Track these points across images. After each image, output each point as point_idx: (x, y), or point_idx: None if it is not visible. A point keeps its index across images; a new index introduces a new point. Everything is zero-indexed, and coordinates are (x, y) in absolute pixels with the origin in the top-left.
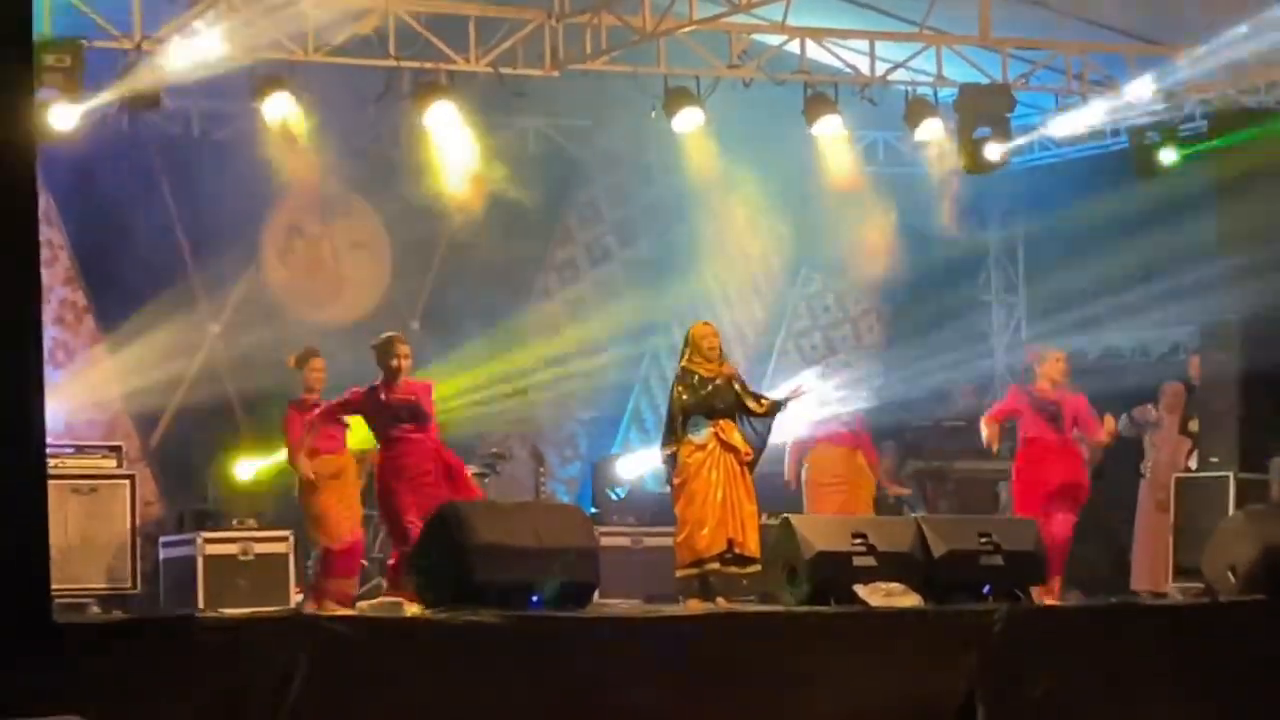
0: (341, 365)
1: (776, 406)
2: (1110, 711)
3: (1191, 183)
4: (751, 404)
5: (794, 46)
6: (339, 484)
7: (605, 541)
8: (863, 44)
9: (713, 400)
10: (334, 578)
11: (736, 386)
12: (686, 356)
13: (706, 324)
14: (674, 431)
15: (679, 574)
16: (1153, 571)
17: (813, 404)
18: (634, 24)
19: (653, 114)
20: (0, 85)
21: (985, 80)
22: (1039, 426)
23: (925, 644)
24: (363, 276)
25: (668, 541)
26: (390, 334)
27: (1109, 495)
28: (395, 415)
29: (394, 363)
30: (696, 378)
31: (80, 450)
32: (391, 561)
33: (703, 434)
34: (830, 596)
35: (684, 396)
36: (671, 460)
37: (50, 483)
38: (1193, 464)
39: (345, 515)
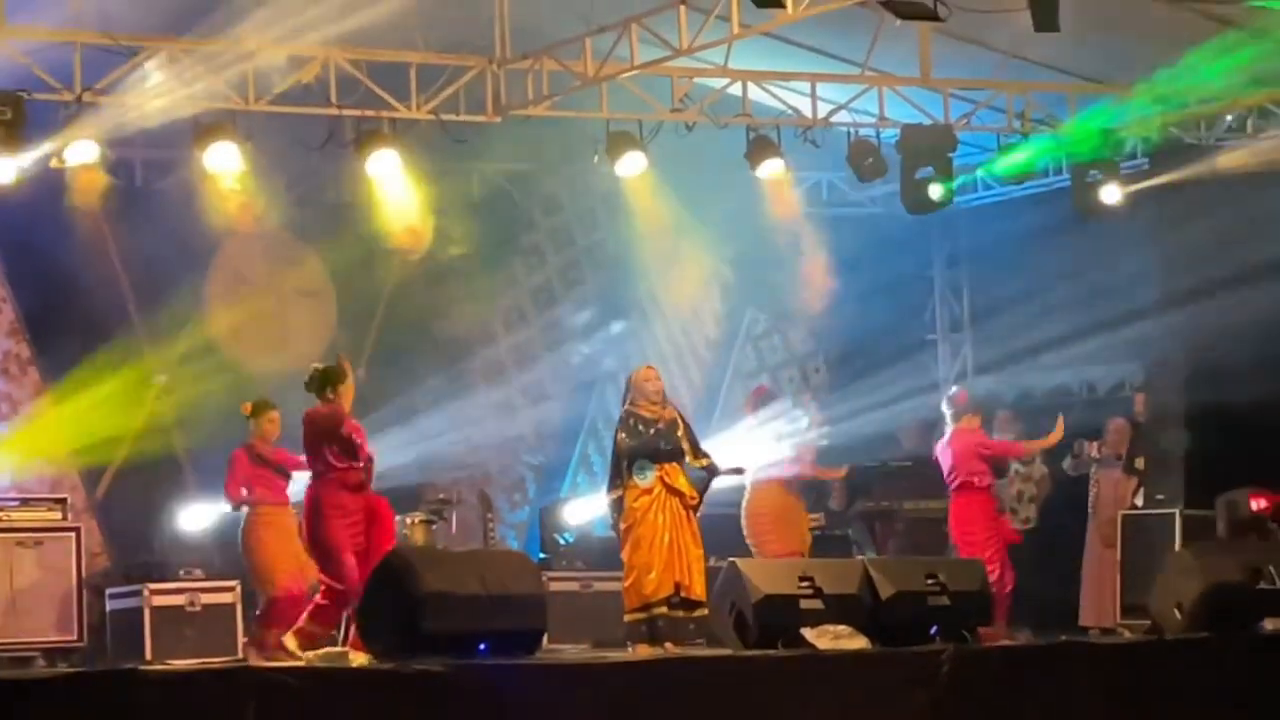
0: (287, 413)
1: (713, 471)
2: None
3: (1134, 220)
4: (689, 457)
5: (736, 89)
6: (281, 533)
7: (554, 587)
8: (805, 86)
9: (656, 443)
10: (276, 628)
11: (679, 431)
12: (630, 400)
13: (649, 367)
14: (619, 475)
15: (627, 619)
16: (1100, 608)
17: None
18: (576, 69)
19: (596, 158)
20: None
21: (927, 120)
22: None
23: (874, 686)
24: (309, 324)
25: (616, 586)
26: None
27: (1057, 532)
28: (345, 446)
29: (346, 384)
30: (640, 421)
31: (25, 503)
32: (320, 600)
33: (648, 478)
34: (778, 640)
35: (628, 440)
36: (617, 504)
37: None
38: (1139, 501)
39: (288, 564)
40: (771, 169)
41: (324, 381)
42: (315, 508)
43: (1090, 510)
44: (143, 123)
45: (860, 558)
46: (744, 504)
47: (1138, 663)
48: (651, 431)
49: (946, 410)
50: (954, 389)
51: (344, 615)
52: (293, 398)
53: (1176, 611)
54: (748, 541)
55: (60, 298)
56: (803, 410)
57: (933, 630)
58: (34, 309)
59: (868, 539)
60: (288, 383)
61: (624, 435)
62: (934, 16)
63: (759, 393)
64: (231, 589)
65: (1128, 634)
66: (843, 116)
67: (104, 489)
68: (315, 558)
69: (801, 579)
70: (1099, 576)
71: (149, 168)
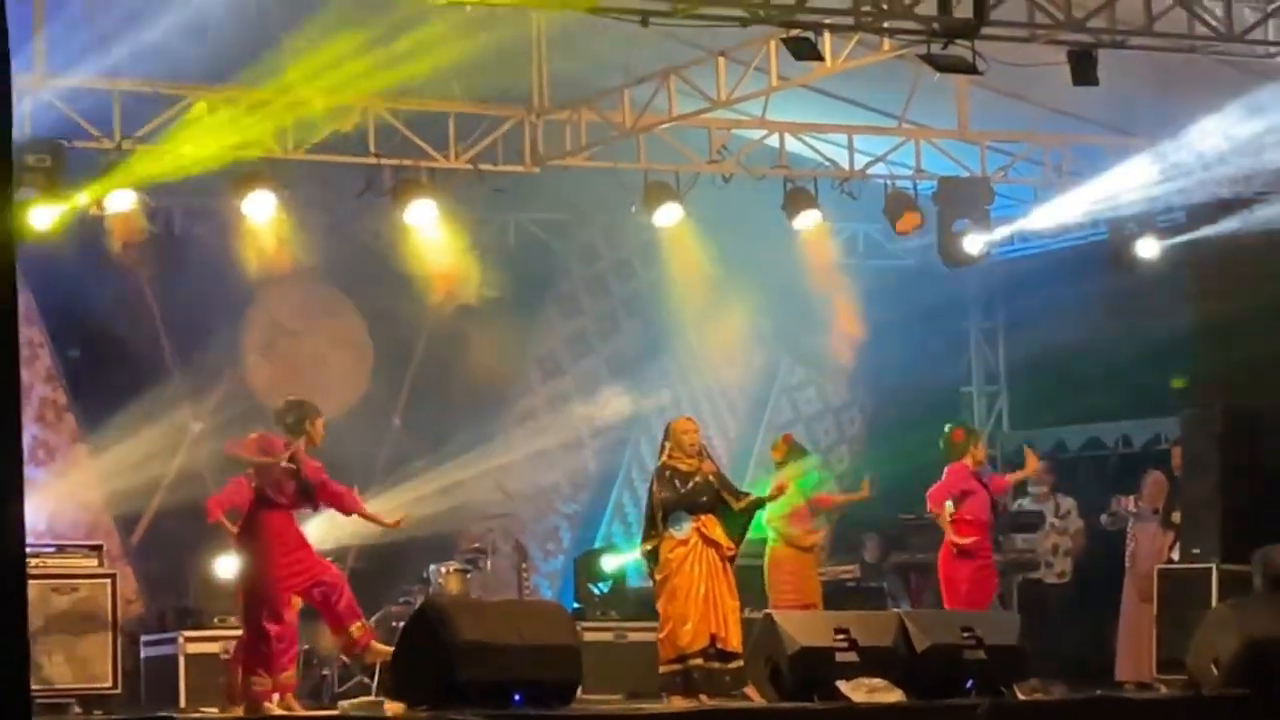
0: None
1: (757, 504)
2: None
3: (1170, 273)
4: (730, 500)
5: (774, 141)
6: None
7: (588, 637)
8: (842, 138)
9: (693, 496)
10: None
11: (715, 483)
12: (666, 452)
13: (688, 419)
14: (654, 527)
15: (662, 670)
16: (1136, 663)
17: None
18: (614, 120)
19: (633, 209)
20: None
21: (964, 173)
22: None
23: None
24: (344, 373)
25: (651, 636)
26: (302, 400)
27: (1092, 586)
28: (304, 488)
29: (318, 425)
30: (676, 474)
31: (61, 549)
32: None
33: (684, 529)
34: (813, 692)
35: (663, 493)
36: (652, 556)
37: (31, 582)
38: (1175, 555)
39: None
40: (808, 220)
41: (296, 420)
42: (262, 544)
43: (1127, 564)
44: (181, 171)
45: (896, 610)
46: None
47: (1174, 718)
48: (689, 485)
49: None
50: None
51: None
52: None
53: (1213, 667)
54: (768, 593)
55: (97, 344)
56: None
57: (968, 684)
58: (71, 355)
59: (903, 591)
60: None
61: (659, 488)
62: (973, 70)
63: (787, 441)
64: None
65: (1164, 689)
66: (880, 169)
67: (139, 535)
68: (247, 596)
69: (837, 631)
70: (1136, 631)
71: (187, 215)
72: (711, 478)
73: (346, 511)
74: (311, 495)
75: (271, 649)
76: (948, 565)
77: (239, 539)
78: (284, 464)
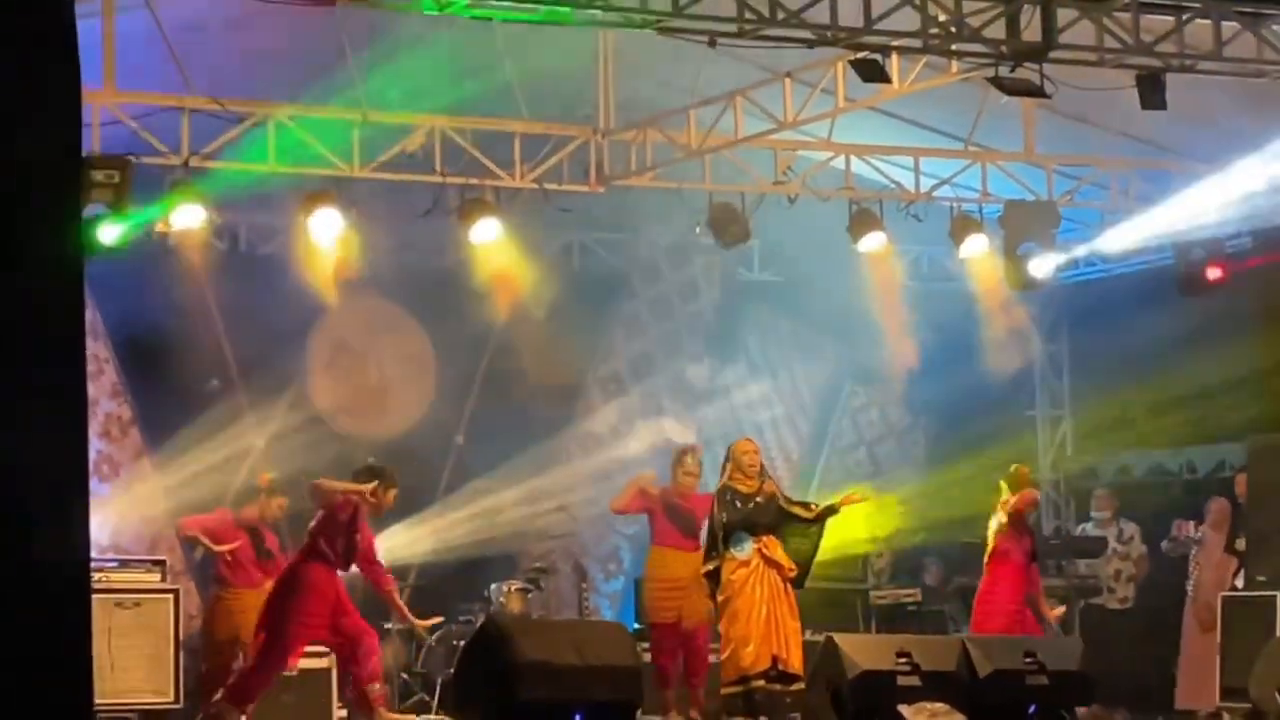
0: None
1: (829, 511)
2: None
3: (1238, 299)
4: (800, 511)
5: (839, 162)
6: None
7: (649, 657)
8: (908, 160)
9: (754, 517)
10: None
11: (781, 502)
12: (728, 473)
13: (749, 440)
14: (715, 548)
15: (724, 691)
16: (1198, 690)
17: None
18: (679, 140)
19: (697, 229)
20: (49, 201)
21: (1030, 196)
22: None
23: None
24: (408, 391)
25: (713, 658)
26: (385, 467)
27: (1155, 612)
28: (349, 550)
29: (389, 495)
30: (737, 495)
31: (124, 564)
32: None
33: (746, 550)
34: (874, 716)
35: (724, 514)
36: (714, 577)
37: (94, 597)
38: (1239, 583)
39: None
40: (873, 242)
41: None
42: (300, 588)
43: (1190, 592)
44: (248, 188)
45: (958, 635)
46: None
47: None
48: (750, 505)
49: None
50: None
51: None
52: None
53: (1277, 695)
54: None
55: (162, 360)
56: None
57: (1031, 709)
58: (136, 371)
59: (964, 615)
60: (387, 449)
61: (720, 509)
62: (1040, 93)
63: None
64: (327, 655)
65: (1227, 717)
66: (946, 191)
67: (202, 552)
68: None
69: (899, 655)
70: (1197, 659)
71: (253, 233)
72: (774, 499)
73: (379, 590)
74: (351, 559)
75: (258, 685)
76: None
77: (280, 581)
78: (347, 514)
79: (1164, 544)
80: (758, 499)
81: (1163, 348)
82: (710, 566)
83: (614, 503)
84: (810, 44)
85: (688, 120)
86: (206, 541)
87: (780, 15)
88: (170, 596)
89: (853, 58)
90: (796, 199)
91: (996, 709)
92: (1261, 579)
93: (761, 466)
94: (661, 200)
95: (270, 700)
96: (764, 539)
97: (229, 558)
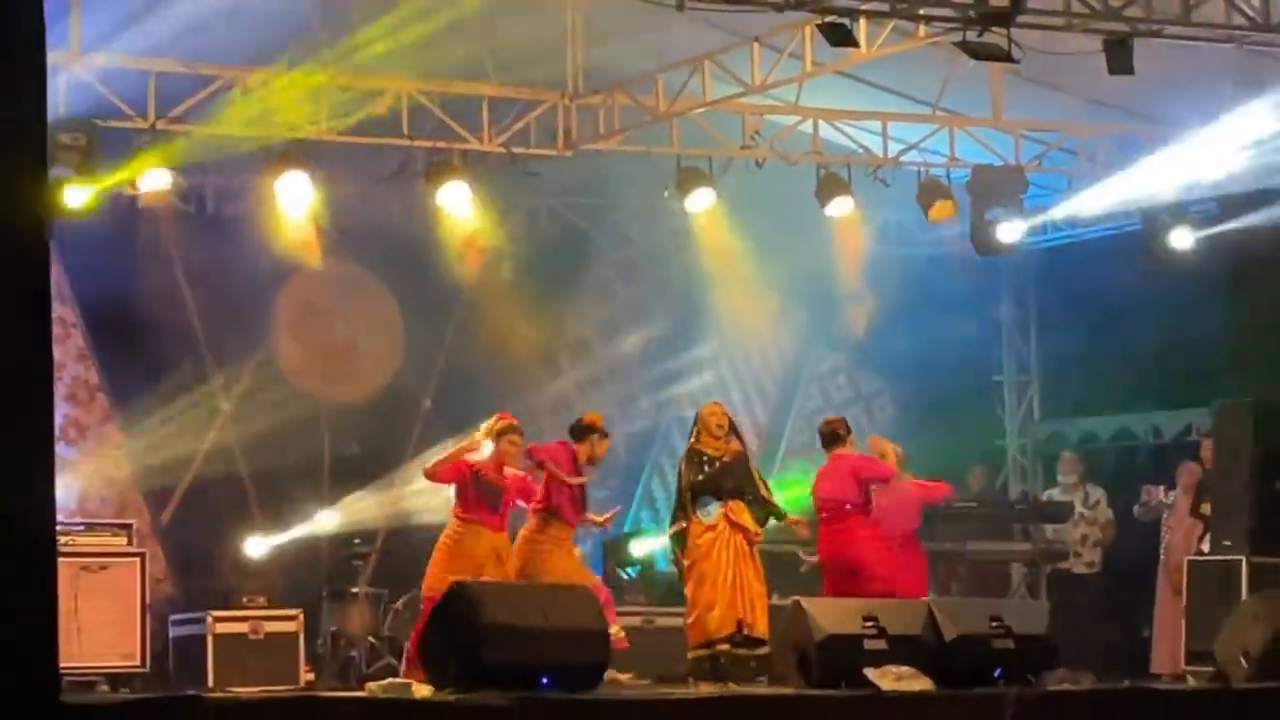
0: (355, 442)
1: (777, 511)
2: None
3: (1204, 264)
4: (764, 491)
5: (807, 127)
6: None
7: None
8: (876, 125)
9: (720, 480)
10: None
11: (748, 464)
12: (695, 436)
13: (716, 404)
14: (683, 508)
15: (690, 655)
16: (1171, 655)
17: None
18: (647, 104)
19: (666, 194)
20: (15, 164)
21: (998, 162)
22: None
23: None
24: (375, 354)
25: (679, 622)
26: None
27: (1122, 577)
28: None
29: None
30: (704, 457)
31: (90, 528)
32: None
33: (713, 514)
34: (840, 680)
35: (691, 476)
36: (679, 539)
37: (60, 560)
38: (1205, 547)
39: None
40: (841, 207)
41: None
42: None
43: (1162, 556)
44: (215, 151)
45: (924, 599)
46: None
47: (1203, 710)
48: (716, 467)
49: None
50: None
51: None
52: (357, 426)
53: (1243, 659)
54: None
55: (129, 324)
56: None
57: (997, 673)
58: (103, 335)
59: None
60: (353, 412)
61: (688, 470)
62: (1008, 58)
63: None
64: (294, 618)
65: (1193, 681)
66: (913, 156)
67: (169, 515)
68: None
69: (865, 619)
70: (1172, 623)
71: (220, 195)
72: (740, 459)
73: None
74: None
75: None
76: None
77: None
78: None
79: (1135, 509)
80: (724, 459)
81: (1130, 313)
82: (676, 529)
83: (427, 468)
84: (778, 8)
85: (656, 84)
86: (558, 471)
87: None
88: (137, 560)
89: (820, 22)
90: (764, 163)
91: (962, 673)
92: (1227, 543)
93: (729, 422)
94: (629, 164)
95: (236, 663)
96: (730, 503)
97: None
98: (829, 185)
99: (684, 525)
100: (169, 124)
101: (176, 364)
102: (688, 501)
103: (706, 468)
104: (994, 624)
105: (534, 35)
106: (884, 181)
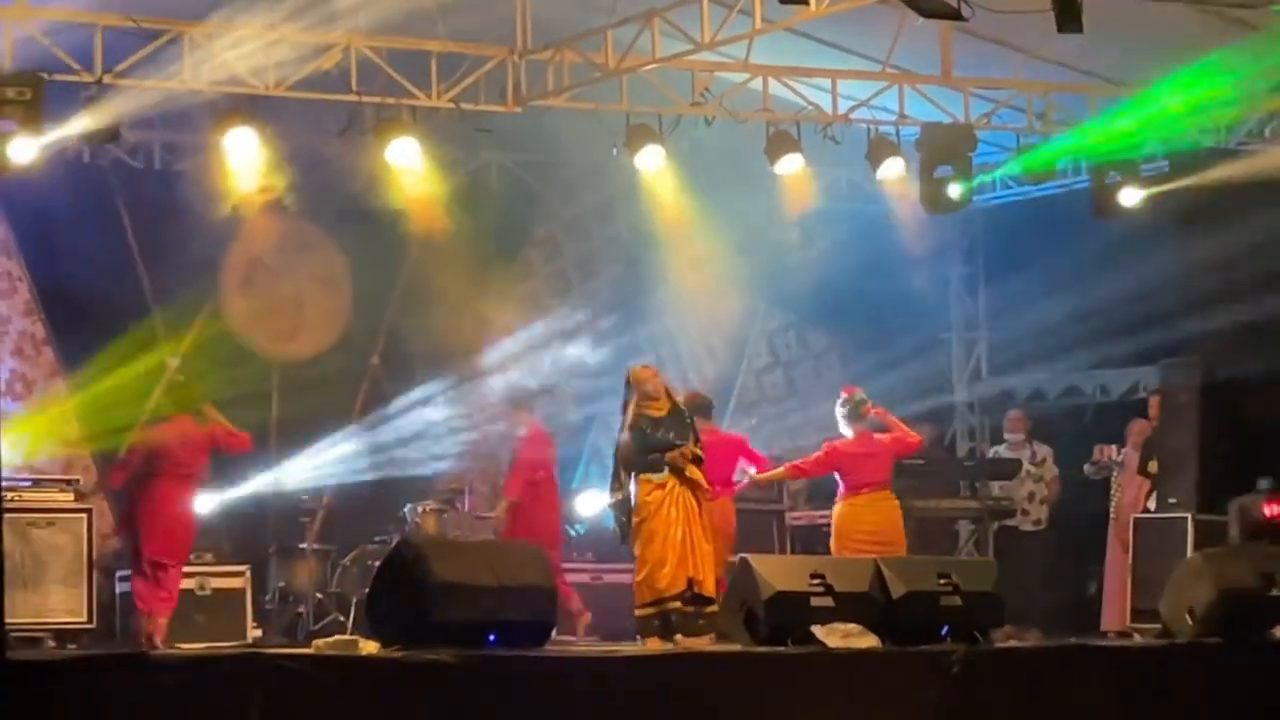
0: (303, 399)
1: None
2: None
3: (1152, 222)
4: (696, 447)
5: (757, 84)
6: None
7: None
8: (825, 82)
9: (667, 436)
10: None
11: (685, 414)
12: (636, 404)
13: (646, 367)
14: (617, 478)
15: (639, 613)
16: (1121, 613)
17: None
18: (597, 61)
19: (615, 151)
20: None
21: (947, 119)
22: None
23: (884, 685)
24: (323, 310)
25: (628, 579)
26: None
27: (1070, 534)
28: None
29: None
30: (646, 423)
31: (37, 483)
32: None
33: (662, 472)
34: (788, 637)
35: (634, 445)
36: (622, 506)
37: (6, 516)
38: (1152, 505)
39: None
40: (791, 165)
41: None
42: None
43: (1112, 514)
44: (162, 106)
45: (872, 556)
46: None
47: (1148, 667)
48: (659, 429)
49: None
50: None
51: None
52: (305, 383)
53: (1188, 616)
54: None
55: (76, 279)
56: None
57: (944, 630)
58: (50, 289)
59: None
60: (302, 368)
61: (629, 439)
62: (957, 15)
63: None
64: (241, 574)
65: (1138, 638)
66: (863, 113)
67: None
68: None
69: (813, 576)
70: (1122, 580)
71: (168, 151)
72: (677, 407)
73: None
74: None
75: None
76: None
77: None
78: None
79: (1086, 467)
80: (664, 417)
81: (1078, 271)
82: (616, 498)
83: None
84: None
85: (605, 40)
86: None
87: None
88: (84, 516)
89: None
90: (714, 120)
91: (910, 630)
92: (1173, 500)
93: (663, 388)
94: (579, 121)
95: (184, 619)
96: (680, 449)
97: None
98: (778, 142)
99: (621, 494)
100: (115, 78)
101: (124, 320)
102: (623, 470)
103: (649, 431)
104: (942, 581)
105: None
106: (834, 139)
